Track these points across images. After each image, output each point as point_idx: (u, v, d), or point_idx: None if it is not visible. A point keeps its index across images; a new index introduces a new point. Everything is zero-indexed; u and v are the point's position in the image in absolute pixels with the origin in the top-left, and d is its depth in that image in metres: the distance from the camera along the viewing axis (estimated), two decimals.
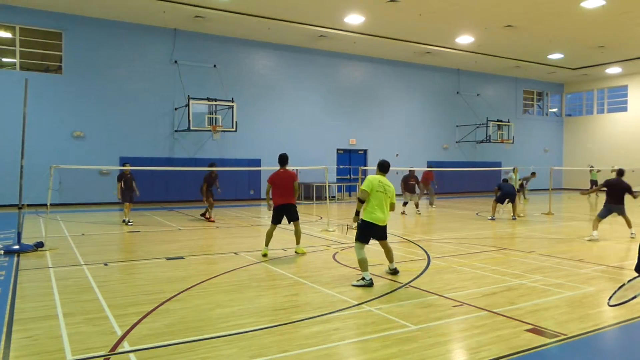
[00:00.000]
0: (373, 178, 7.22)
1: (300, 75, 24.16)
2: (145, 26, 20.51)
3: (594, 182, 26.41)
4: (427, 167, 20.18)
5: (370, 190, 7.07)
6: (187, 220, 14.91)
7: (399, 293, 6.37)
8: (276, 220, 9.08)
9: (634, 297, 2.67)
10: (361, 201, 7.16)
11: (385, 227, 7.28)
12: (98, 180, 19.53)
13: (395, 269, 7.41)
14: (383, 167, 7.38)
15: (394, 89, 27.08)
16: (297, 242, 9.24)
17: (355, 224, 7.26)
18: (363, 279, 6.78)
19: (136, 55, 20.50)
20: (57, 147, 18.62)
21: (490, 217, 15.34)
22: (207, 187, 14.54)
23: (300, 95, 24.16)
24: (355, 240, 7.15)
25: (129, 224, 13.38)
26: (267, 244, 9.04)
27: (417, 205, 17.36)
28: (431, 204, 19.21)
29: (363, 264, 6.90)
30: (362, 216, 7.18)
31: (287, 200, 9.06)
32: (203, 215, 14.96)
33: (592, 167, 27.01)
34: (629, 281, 2.77)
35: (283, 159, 9.24)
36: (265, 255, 8.84)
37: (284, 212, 9.07)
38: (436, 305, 5.83)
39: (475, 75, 30.08)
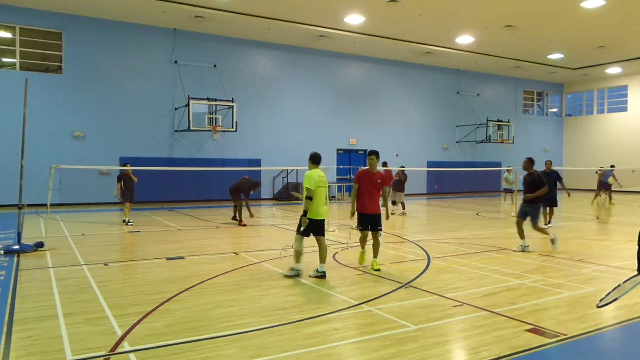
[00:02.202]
0: (313, 174, 7.20)
1: (300, 75, 24.16)
2: (145, 26, 20.51)
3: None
4: (383, 165, 17.50)
5: (314, 186, 7.13)
6: (194, 221, 14.90)
7: (399, 293, 6.37)
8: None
9: (617, 299, 2.71)
10: (310, 199, 7.12)
11: (324, 221, 7.45)
12: (98, 180, 19.52)
13: (324, 273, 7.16)
14: (317, 159, 7.47)
15: (394, 89, 27.08)
16: (374, 255, 7.86)
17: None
18: (292, 269, 7.20)
19: (136, 55, 20.50)
20: (57, 147, 18.62)
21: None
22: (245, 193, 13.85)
23: (300, 95, 24.16)
24: (298, 232, 7.27)
25: (129, 224, 13.38)
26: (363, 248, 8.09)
27: (403, 205, 16.84)
28: (395, 204, 17.53)
29: (299, 255, 7.20)
30: (307, 215, 7.18)
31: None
32: (235, 218, 14.10)
33: (601, 168, 26.62)
34: (624, 282, 2.79)
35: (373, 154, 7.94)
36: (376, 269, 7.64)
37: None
38: (436, 305, 5.83)
39: (475, 75, 30.08)
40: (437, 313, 5.51)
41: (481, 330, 4.93)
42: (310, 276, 7.15)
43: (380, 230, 7.84)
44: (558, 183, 13.25)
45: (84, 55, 19.50)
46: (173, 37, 21.04)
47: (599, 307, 2.75)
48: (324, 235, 7.34)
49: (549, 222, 13.17)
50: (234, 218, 14.17)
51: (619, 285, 2.75)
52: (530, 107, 33.90)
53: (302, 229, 7.12)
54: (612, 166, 23.99)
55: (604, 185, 22.96)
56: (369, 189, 7.70)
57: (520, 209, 9.86)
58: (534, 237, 11.81)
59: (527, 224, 9.72)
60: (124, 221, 13.62)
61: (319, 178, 7.23)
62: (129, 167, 13.75)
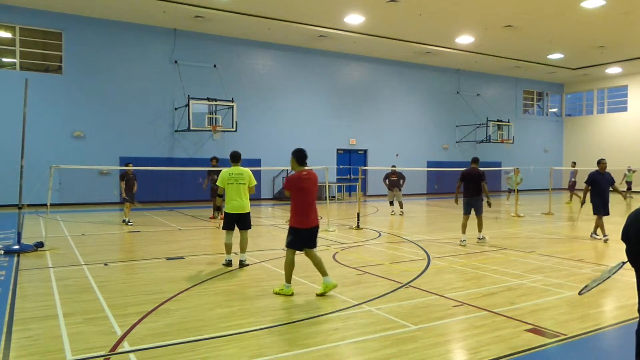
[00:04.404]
0: (224, 172, 7.95)
1: (300, 75, 24.16)
2: (145, 26, 20.51)
3: (629, 184, 25.96)
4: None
5: (222, 184, 7.92)
6: (194, 221, 14.90)
7: (399, 293, 6.37)
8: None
9: (594, 287, 2.84)
10: (219, 195, 8.21)
11: (244, 215, 7.96)
12: (98, 180, 19.53)
13: (244, 261, 7.97)
14: (232, 157, 8.08)
15: (394, 89, 27.08)
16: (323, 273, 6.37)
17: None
18: (226, 260, 8.03)
19: (136, 55, 20.50)
20: (57, 147, 18.62)
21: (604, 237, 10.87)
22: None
23: (300, 95, 24.16)
24: (223, 228, 8.09)
25: (129, 224, 13.38)
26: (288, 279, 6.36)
27: (400, 205, 16.79)
28: (392, 204, 17.49)
29: (228, 248, 7.99)
30: (224, 209, 8.05)
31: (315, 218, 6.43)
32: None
33: (629, 168, 26.36)
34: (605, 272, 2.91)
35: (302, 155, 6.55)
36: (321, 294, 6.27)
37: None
38: (436, 305, 5.83)
39: (475, 75, 30.08)
40: (437, 313, 5.51)
41: (481, 330, 4.93)
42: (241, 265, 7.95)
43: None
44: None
45: (84, 55, 19.50)
46: (173, 37, 21.04)
47: (580, 294, 2.87)
48: (245, 229, 8.02)
49: (604, 234, 10.76)
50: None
51: (600, 276, 2.88)
52: (530, 107, 33.90)
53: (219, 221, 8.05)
54: (574, 163, 23.87)
55: (572, 185, 22.84)
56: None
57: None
58: (535, 237, 11.81)
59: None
60: (124, 221, 13.62)
61: (230, 176, 7.87)
62: (131, 167, 13.77)
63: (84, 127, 19.51)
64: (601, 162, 11.13)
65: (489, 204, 10.55)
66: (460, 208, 10.92)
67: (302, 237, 6.26)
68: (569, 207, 20.23)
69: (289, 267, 6.28)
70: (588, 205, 11.43)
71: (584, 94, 34.00)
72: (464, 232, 10.43)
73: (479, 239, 10.58)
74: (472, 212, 10.53)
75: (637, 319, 4.72)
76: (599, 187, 10.81)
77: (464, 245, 10.12)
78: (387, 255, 9.40)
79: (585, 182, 11.08)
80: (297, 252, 6.36)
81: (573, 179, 22.85)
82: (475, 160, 10.96)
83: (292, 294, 6.23)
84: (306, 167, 6.52)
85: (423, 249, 9.75)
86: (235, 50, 22.45)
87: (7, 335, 4.74)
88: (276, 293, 6.29)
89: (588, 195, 11.14)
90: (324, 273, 6.26)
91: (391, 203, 17.15)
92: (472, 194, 10.49)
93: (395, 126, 26.99)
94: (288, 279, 6.28)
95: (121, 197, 13.87)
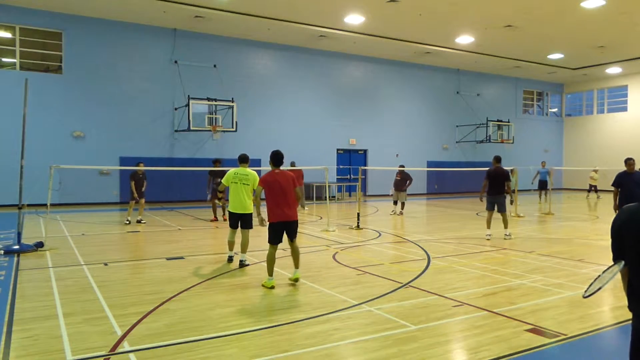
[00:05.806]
0: (230, 171, 8.21)
1: (300, 75, 24.15)
2: (145, 26, 20.50)
3: None
4: (291, 165, 17.50)
5: (226, 183, 8.15)
6: (194, 221, 14.90)
7: (399, 293, 6.38)
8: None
9: (600, 288, 2.80)
10: (220, 191, 8.84)
11: (244, 215, 8.08)
12: (98, 180, 19.52)
13: (244, 261, 8.04)
14: (242, 159, 8.36)
15: (394, 89, 27.07)
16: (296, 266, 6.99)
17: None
18: (228, 256, 8.43)
19: (136, 55, 20.49)
20: (57, 147, 18.60)
21: None
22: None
23: (300, 95, 24.15)
24: (229, 226, 8.31)
25: (127, 223, 13.47)
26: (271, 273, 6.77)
27: (402, 205, 16.86)
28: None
29: (230, 245, 8.36)
30: (227, 208, 8.36)
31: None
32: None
33: None
34: (603, 272, 2.87)
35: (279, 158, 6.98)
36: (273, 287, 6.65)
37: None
38: (436, 305, 5.83)
39: (475, 75, 30.07)
40: (437, 313, 5.52)
41: (481, 330, 4.93)
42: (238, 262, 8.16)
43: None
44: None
45: (84, 55, 19.49)
46: (173, 37, 21.03)
47: (585, 297, 2.84)
48: (247, 228, 8.15)
49: None
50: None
51: (600, 275, 2.83)
52: (530, 107, 33.89)
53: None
54: (544, 163, 23.79)
55: (542, 185, 22.58)
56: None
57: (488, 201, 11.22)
58: (535, 237, 11.81)
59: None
60: (138, 221, 13.69)
61: (235, 175, 8.07)
62: (142, 167, 13.84)
63: (84, 127, 19.50)
64: (628, 161, 9.53)
65: (512, 202, 11.73)
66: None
67: (278, 230, 6.74)
68: (540, 206, 20.30)
69: (269, 261, 6.72)
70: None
71: (584, 94, 33.99)
72: (489, 227, 11.13)
73: (505, 235, 11.06)
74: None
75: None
76: (626, 190, 9.28)
77: (489, 239, 10.83)
78: (387, 255, 9.40)
79: (612, 185, 9.61)
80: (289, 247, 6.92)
81: (540, 179, 22.98)
82: (498, 159, 11.28)
83: (272, 287, 6.59)
84: (281, 168, 7.04)
85: (423, 249, 9.75)
86: (235, 50, 22.45)
87: (7, 335, 4.74)
88: (263, 285, 6.73)
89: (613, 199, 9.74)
90: (296, 265, 6.90)
91: (395, 202, 17.16)
92: (496, 192, 11.02)
93: (395, 126, 26.98)
94: (269, 272, 6.72)
95: (132, 196, 13.83)
